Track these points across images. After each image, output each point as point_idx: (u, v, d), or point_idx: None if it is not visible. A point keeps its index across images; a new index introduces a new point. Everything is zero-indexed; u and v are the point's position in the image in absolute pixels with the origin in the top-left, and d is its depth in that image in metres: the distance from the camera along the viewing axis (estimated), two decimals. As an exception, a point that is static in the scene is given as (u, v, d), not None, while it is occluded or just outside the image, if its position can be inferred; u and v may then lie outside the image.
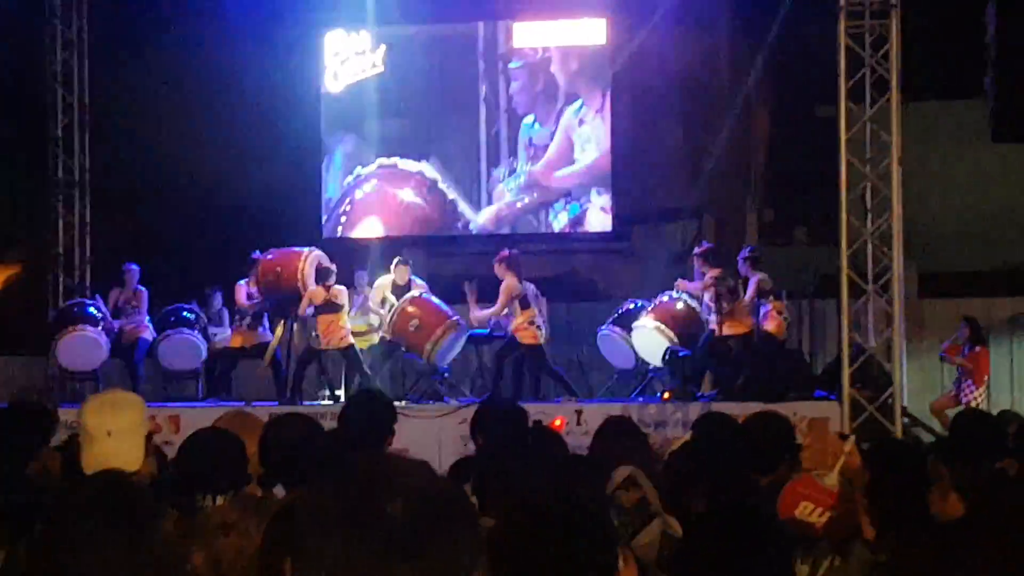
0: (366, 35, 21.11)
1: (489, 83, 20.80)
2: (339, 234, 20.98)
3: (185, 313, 18.32)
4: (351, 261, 17.97)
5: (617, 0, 20.29)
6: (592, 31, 20.50)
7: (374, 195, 21.03)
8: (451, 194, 20.76)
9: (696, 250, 16.99)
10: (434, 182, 20.77)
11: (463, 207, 20.78)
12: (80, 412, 5.47)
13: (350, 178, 21.06)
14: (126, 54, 20.30)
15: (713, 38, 20.85)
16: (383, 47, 21.07)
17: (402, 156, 20.91)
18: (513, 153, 20.71)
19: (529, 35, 20.71)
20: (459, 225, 20.88)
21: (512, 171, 20.68)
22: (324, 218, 21.09)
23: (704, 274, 16.57)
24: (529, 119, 20.60)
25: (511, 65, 20.70)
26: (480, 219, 20.77)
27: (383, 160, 20.93)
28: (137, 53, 20.31)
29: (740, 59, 20.98)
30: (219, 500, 5.18)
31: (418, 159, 20.87)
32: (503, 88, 20.77)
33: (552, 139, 20.54)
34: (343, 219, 21.09)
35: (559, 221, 20.60)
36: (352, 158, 21.09)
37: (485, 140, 20.81)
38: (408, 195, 20.92)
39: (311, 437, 5.72)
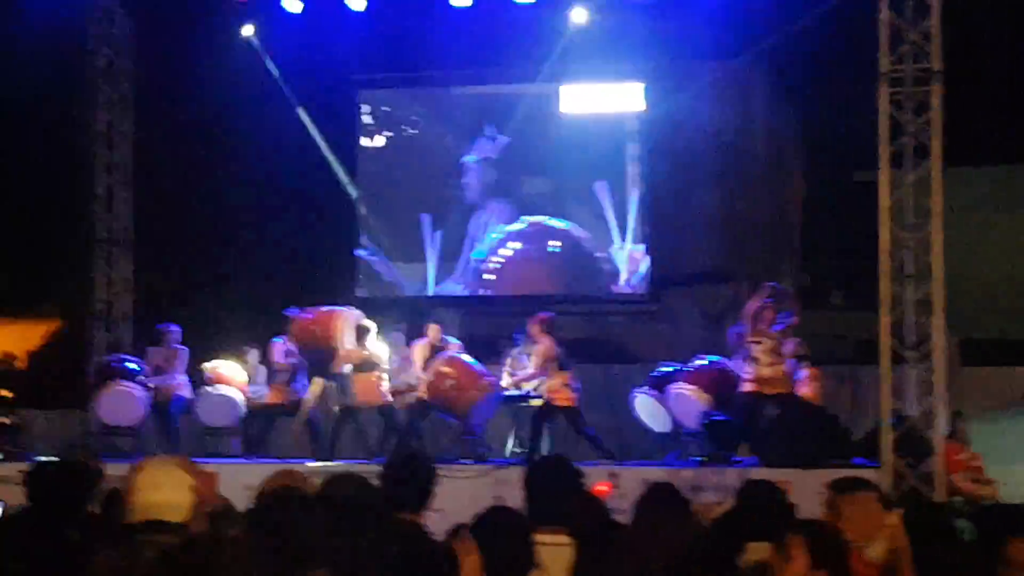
0: (403, 97, 21.27)
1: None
2: (482, 292, 21.09)
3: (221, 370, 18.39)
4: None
5: (654, 66, 20.36)
6: (630, 96, 20.58)
7: (519, 253, 21.12)
8: (598, 252, 20.82)
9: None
10: (580, 240, 20.84)
11: (608, 266, 20.84)
12: (134, 467, 5.56)
13: (496, 235, 21.15)
14: (168, 113, 20.48)
15: (750, 102, 20.91)
16: (420, 108, 21.24)
17: (549, 215, 21.01)
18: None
19: (575, 100, 20.80)
20: (603, 284, 20.90)
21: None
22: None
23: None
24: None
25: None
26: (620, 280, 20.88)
27: (529, 218, 21.02)
28: (179, 112, 20.49)
29: (776, 123, 21.04)
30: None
31: (563, 218, 20.95)
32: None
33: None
34: (487, 277, 21.18)
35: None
36: (499, 219, 21.21)
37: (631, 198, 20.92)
38: (554, 252, 21.02)
39: (367, 498, 5.73)
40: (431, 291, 21.24)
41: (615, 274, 20.83)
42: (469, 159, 21.22)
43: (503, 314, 19.55)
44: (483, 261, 21.13)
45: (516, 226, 21.04)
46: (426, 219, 21.28)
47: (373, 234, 21.47)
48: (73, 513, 6.58)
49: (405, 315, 18.93)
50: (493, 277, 21.11)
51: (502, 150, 21.13)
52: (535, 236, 21.03)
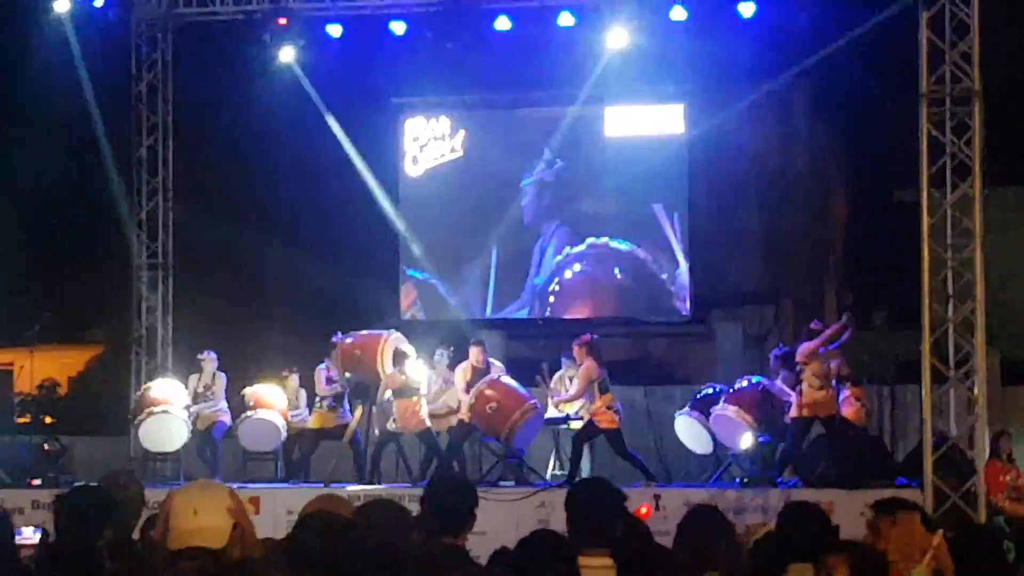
0: (445, 121, 21.33)
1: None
2: (547, 314, 21.10)
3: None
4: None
5: (694, 88, 20.38)
6: (671, 118, 20.61)
7: (583, 275, 21.13)
8: (662, 274, 20.82)
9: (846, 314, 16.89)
10: (644, 261, 20.85)
11: (673, 287, 20.85)
12: (171, 493, 5.57)
13: (559, 257, 21.18)
14: (209, 139, 20.60)
15: (790, 123, 20.90)
16: (462, 132, 21.28)
17: (612, 237, 21.04)
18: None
19: (619, 122, 20.86)
20: (668, 306, 20.91)
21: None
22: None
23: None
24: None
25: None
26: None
27: (593, 240, 21.04)
28: (220, 138, 20.60)
29: (818, 143, 21.03)
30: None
31: (626, 240, 20.96)
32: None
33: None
34: (551, 299, 21.20)
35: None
36: (564, 241, 21.26)
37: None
38: (618, 275, 21.02)
39: (400, 525, 5.72)
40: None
41: (679, 295, 20.83)
42: (526, 182, 21.26)
43: (550, 336, 19.54)
44: (546, 284, 21.10)
45: (579, 248, 21.04)
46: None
47: (430, 257, 21.49)
48: (99, 539, 6.59)
49: (451, 338, 18.91)
50: (554, 299, 21.09)
51: (558, 173, 21.15)
52: (598, 258, 21.01)
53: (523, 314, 21.22)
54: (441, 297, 21.45)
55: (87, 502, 6.71)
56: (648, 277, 20.81)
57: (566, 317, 20.79)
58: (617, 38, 18.96)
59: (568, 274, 21.09)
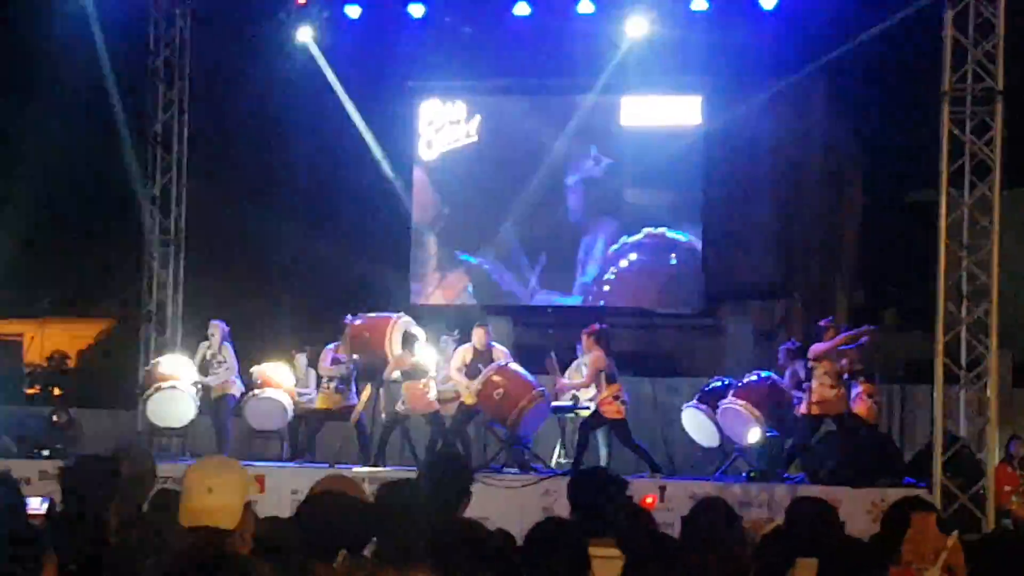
0: (461, 105, 21.25)
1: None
2: (602, 303, 21.01)
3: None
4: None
5: (713, 78, 20.29)
6: (688, 109, 20.52)
7: (637, 264, 21.06)
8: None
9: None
10: (699, 252, 20.76)
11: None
12: (187, 468, 5.54)
13: (615, 247, 21.05)
14: (224, 116, 20.56)
15: (807, 118, 20.82)
16: (478, 117, 21.20)
17: (669, 227, 20.91)
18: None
19: (636, 112, 20.78)
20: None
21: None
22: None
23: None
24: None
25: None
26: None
27: (650, 230, 20.94)
28: (235, 115, 20.56)
29: (834, 140, 20.95)
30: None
31: (684, 229, 20.86)
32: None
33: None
34: (606, 288, 21.08)
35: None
36: (616, 233, 21.12)
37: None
38: (672, 264, 20.94)
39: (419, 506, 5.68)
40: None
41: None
42: (572, 179, 21.13)
43: (561, 325, 19.48)
44: (600, 274, 21.04)
45: (636, 237, 20.92)
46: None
47: (439, 241, 21.43)
48: (106, 510, 6.56)
49: (462, 323, 18.85)
50: (609, 288, 21.00)
51: (606, 169, 21.03)
52: (653, 248, 20.91)
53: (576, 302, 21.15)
54: (493, 283, 21.34)
55: (92, 473, 6.69)
56: (704, 268, 20.66)
57: (620, 305, 20.67)
58: (637, 27, 18.94)
59: (624, 263, 20.94)
